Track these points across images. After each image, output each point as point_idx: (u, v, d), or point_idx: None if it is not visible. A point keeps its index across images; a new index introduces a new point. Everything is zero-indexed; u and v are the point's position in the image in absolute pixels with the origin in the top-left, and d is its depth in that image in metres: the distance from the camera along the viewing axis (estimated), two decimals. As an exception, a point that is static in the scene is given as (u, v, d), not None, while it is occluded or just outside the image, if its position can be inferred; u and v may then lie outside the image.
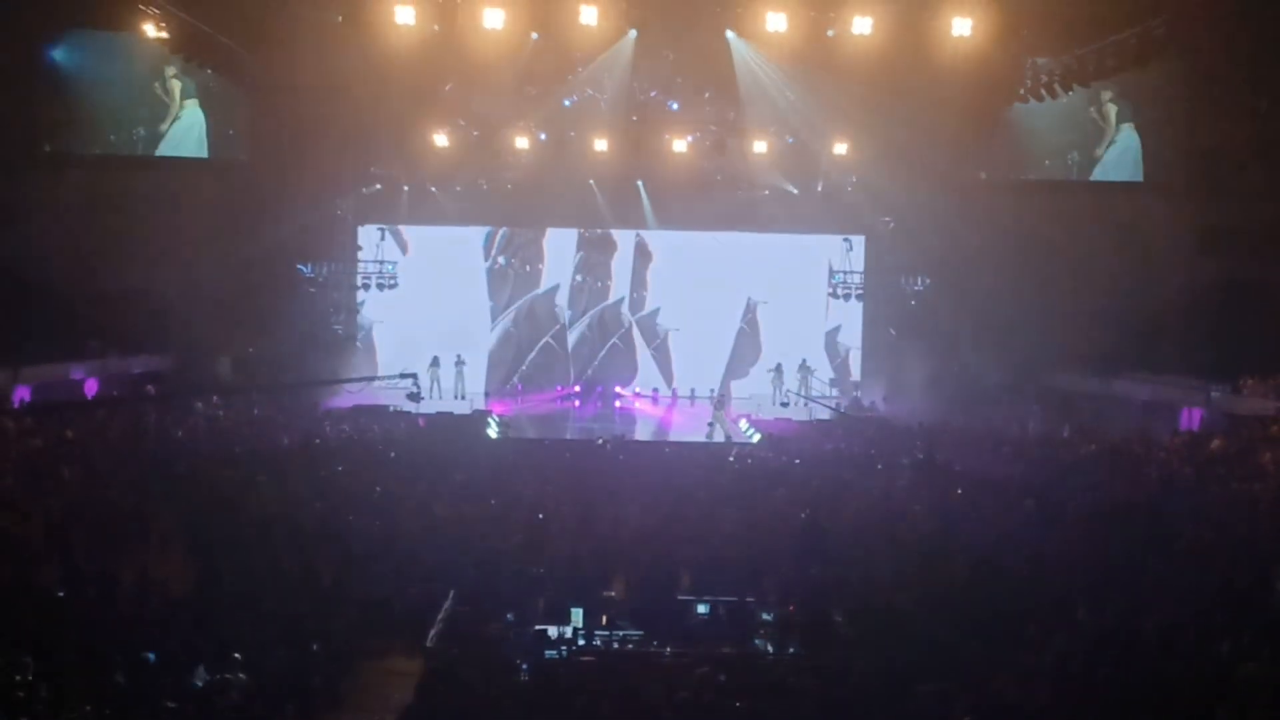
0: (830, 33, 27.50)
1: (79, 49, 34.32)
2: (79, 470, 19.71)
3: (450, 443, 26.30)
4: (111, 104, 34.88)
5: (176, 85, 34.73)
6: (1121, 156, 35.93)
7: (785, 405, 35.65)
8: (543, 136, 33.51)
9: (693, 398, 37.75)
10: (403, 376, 33.75)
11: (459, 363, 36.39)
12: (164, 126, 35.04)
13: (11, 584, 13.27)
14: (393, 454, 23.73)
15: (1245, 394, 28.12)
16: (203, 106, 35.09)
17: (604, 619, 13.56)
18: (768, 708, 10.77)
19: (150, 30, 27.23)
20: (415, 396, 33.62)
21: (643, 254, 39.10)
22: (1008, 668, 11.18)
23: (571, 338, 39.32)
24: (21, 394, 28.09)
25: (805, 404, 35.53)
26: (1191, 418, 29.19)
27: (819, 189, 37.02)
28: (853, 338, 39.26)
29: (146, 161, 34.98)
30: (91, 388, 30.85)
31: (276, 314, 34.41)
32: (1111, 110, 35.51)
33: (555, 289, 39.22)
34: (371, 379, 35.32)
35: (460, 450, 25.16)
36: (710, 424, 32.16)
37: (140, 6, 26.79)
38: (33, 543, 15.54)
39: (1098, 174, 36.09)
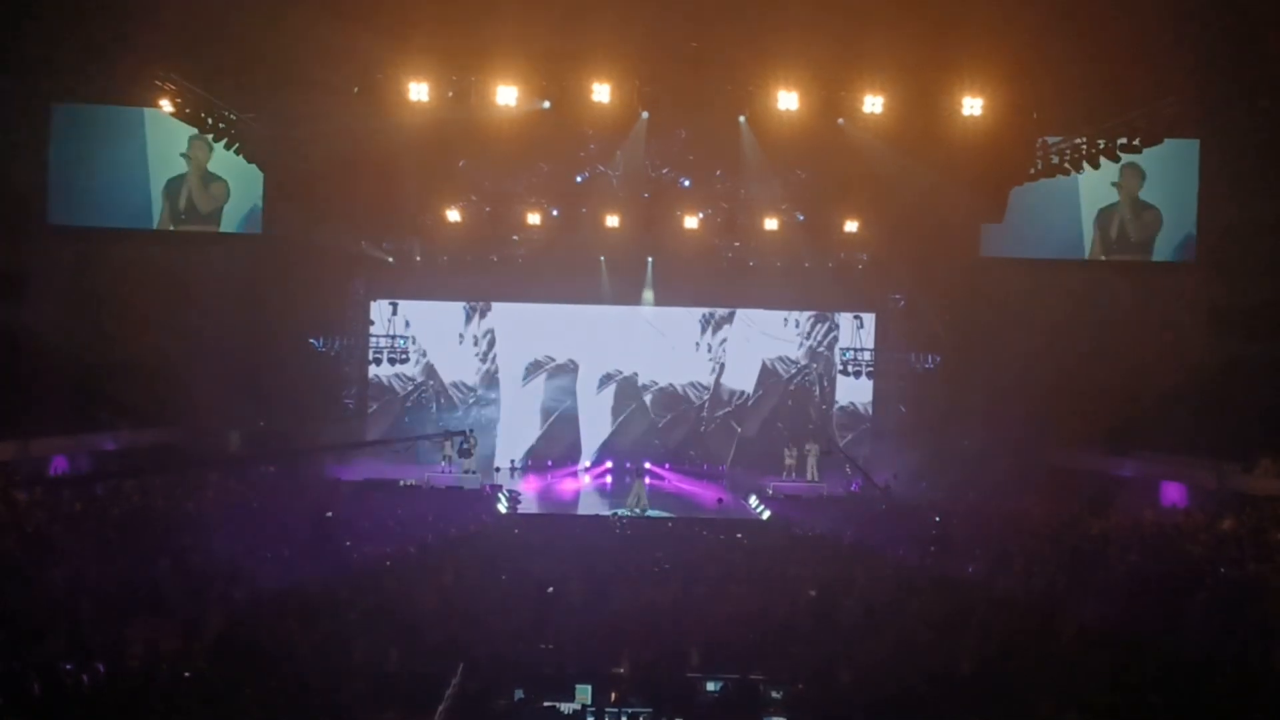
0: (840, 121, 27.67)
1: (91, 121, 34.66)
2: (88, 542, 19.68)
3: (460, 517, 26.26)
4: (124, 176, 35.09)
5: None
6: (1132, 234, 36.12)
7: (826, 454, 35.66)
8: (555, 212, 33.59)
9: (705, 472, 37.76)
10: (450, 435, 33.92)
11: (470, 435, 36.40)
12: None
13: (17, 655, 13.21)
14: (394, 525, 23.71)
15: (1258, 473, 28.02)
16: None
17: (613, 695, 13.44)
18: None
19: (166, 105, 27.37)
20: (466, 453, 33.76)
21: (657, 327, 39.24)
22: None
23: (586, 411, 39.35)
24: (31, 465, 28.10)
25: (818, 479, 35.47)
26: (1202, 497, 29.06)
27: (830, 266, 37.19)
28: (863, 415, 39.32)
29: (159, 234, 35.21)
30: (102, 460, 30.84)
31: (287, 388, 34.47)
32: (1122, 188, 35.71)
33: (569, 363, 39.32)
34: (419, 438, 35.46)
35: (469, 524, 25.16)
36: (719, 500, 32.11)
37: (156, 82, 26.97)
38: (39, 614, 15.47)
39: (1109, 252, 36.24)
